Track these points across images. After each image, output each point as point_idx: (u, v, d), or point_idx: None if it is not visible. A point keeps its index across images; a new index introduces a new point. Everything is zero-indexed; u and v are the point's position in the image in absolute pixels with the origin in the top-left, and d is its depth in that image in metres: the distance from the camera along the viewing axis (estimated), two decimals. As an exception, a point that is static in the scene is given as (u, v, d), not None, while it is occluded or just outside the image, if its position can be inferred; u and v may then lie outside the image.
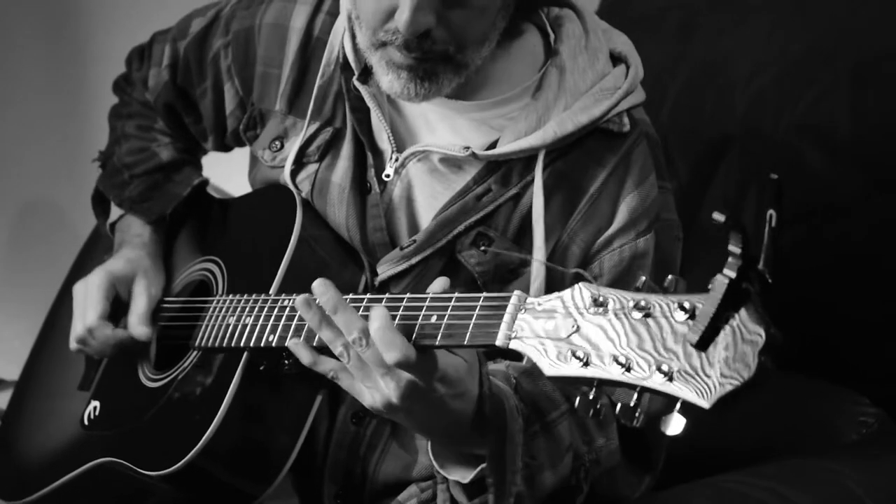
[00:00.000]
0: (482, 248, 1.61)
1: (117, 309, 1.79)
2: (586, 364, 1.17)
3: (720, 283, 1.08)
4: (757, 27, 2.27)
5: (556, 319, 1.22)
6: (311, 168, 1.70)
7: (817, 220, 2.12)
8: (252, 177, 1.82)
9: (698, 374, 1.10)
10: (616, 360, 1.15)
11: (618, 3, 2.52)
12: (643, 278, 1.19)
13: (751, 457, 1.82)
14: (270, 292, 1.59)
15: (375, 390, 1.36)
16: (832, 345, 2.11)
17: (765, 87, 2.21)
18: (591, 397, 1.18)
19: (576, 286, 1.22)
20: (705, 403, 1.09)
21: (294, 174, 1.71)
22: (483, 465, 1.43)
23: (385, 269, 1.63)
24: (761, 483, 1.67)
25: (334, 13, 1.72)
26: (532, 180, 1.60)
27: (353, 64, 1.66)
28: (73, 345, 1.78)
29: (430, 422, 1.39)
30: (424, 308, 1.34)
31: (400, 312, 1.36)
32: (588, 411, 1.18)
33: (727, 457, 1.86)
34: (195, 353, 1.67)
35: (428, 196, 1.65)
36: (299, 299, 1.40)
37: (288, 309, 1.52)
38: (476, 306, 1.30)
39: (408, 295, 1.37)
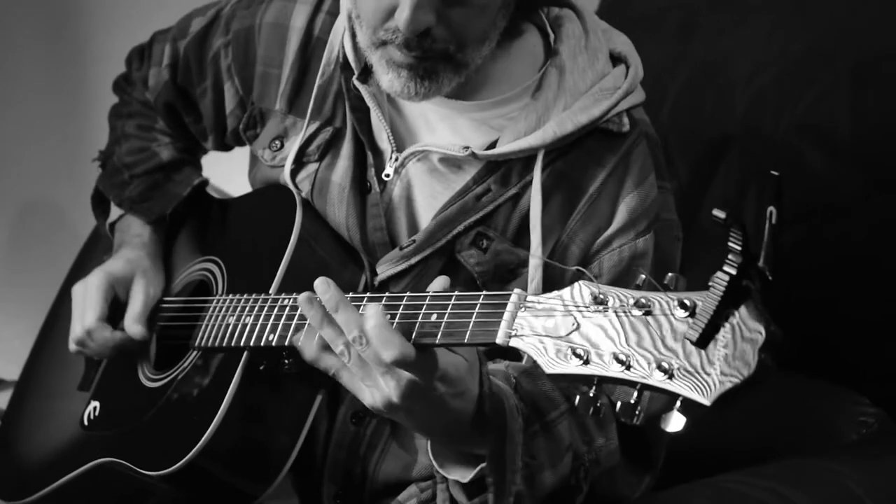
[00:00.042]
0: (482, 247, 1.61)
1: (116, 310, 1.79)
2: (586, 362, 1.17)
3: (720, 280, 1.08)
4: (757, 27, 2.27)
5: (555, 317, 1.22)
6: (311, 167, 1.70)
7: (817, 220, 2.12)
8: (252, 176, 1.82)
9: (698, 372, 1.10)
10: (616, 357, 1.15)
11: (618, 3, 2.52)
12: (643, 276, 1.19)
13: (751, 457, 1.82)
14: (270, 292, 1.59)
15: (376, 389, 1.36)
16: (832, 345, 2.11)
17: (765, 87, 2.21)
18: (591, 395, 1.18)
19: (576, 284, 1.22)
20: (705, 401, 1.09)
21: (294, 174, 1.71)
22: (483, 465, 1.42)
23: (385, 269, 1.63)
24: (761, 483, 1.67)
25: (334, 13, 1.72)
26: (531, 180, 1.60)
27: (352, 63, 1.66)
28: (71, 346, 1.78)
29: (430, 421, 1.39)
30: (424, 307, 1.34)
31: (400, 311, 1.36)
32: (588, 409, 1.18)
33: (727, 457, 1.86)
34: (195, 352, 1.67)
35: (427, 196, 1.65)
36: (302, 296, 1.40)
37: (288, 308, 1.52)
38: (476, 305, 1.30)
39: (408, 294, 1.37)
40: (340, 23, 1.70)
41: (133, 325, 1.74)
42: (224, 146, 1.91)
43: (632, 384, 1.14)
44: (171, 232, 1.88)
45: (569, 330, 1.20)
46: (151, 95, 1.91)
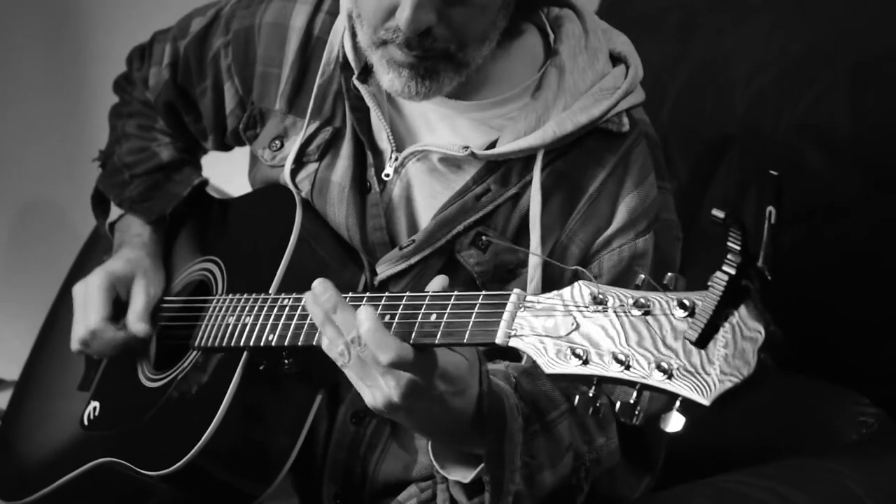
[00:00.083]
0: (481, 248, 1.61)
1: (117, 310, 1.79)
2: (586, 362, 1.17)
3: (719, 280, 1.08)
4: (757, 27, 2.27)
5: (555, 317, 1.22)
6: (311, 167, 1.70)
7: (817, 220, 2.12)
8: (252, 176, 1.82)
9: (698, 372, 1.10)
10: (615, 357, 1.15)
11: (618, 3, 2.52)
12: (642, 276, 1.19)
13: (751, 457, 1.82)
14: (270, 292, 1.59)
15: (376, 389, 1.35)
16: (832, 345, 2.11)
17: (765, 87, 2.21)
18: (590, 395, 1.18)
19: (575, 284, 1.22)
20: (705, 401, 1.09)
21: (294, 173, 1.71)
22: (483, 465, 1.42)
23: (384, 269, 1.63)
24: (761, 483, 1.67)
25: (334, 12, 1.72)
26: (531, 180, 1.60)
27: (352, 63, 1.66)
28: (75, 346, 1.78)
29: (430, 421, 1.39)
30: (424, 307, 1.34)
31: (399, 311, 1.36)
32: (588, 409, 1.18)
33: (727, 457, 1.86)
34: (195, 352, 1.67)
35: (427, 196, 1.65)
36: (307, 295, 1.40)
37: (288, 308, 1.52)
38: (475, 304, 1.30)
39: (407, 293, 1.37)
40: (340, 22, 1.70)
41: (137, 323, 1.75)
42: (224, 146, 1.91)
43: (631, 384, 1.14)
44: (171, 232, 1.88)
45: (568, 330, 1.20)
46: (152, 95, 1.91)
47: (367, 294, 1.41)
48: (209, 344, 1.63)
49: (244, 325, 1.58)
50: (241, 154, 1.91)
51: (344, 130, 1.69)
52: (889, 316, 2.06)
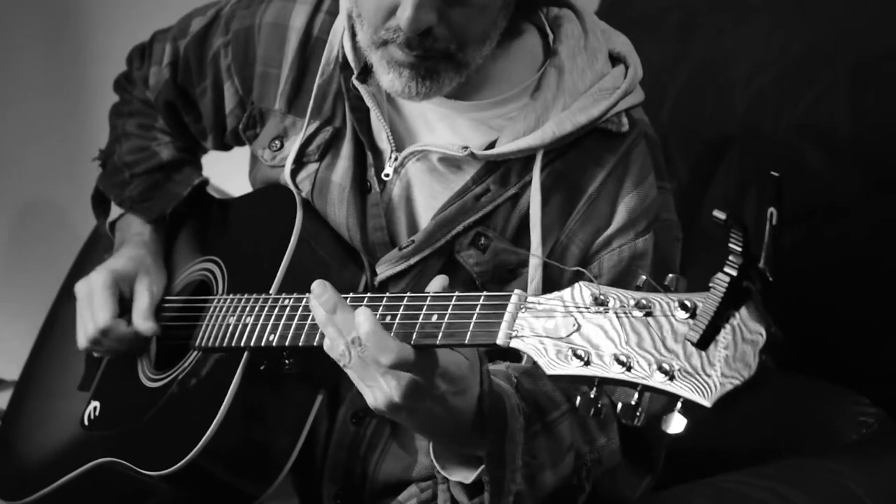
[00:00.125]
0: (481, 248, 1.61)
1: (121, 307, 1.78)
2: (587, 363, 1.17)
3: (721, 281, 1.08)
4: (757, 27, 2.27)
5: (556, 318, 1.22)
6: (312, 168, 1.70)
7: (817, 220, 2.12)
8: (252, 176, 1.82)
9: (699, 373, 1.10)
10: (617, 359, 1.15)
11: (618, 3, 2.52)
12: (643, 277, 1.19)
13: (751, 457, 1.82)
14: (271, 292, 1.59)
15: (377, 389, 1.35)
16: (832, 345, 2.11)
17: (765, 87, 2.21)
18: (591, 396, 1.18)
19: (576, 285, 1.22)
20: (706, 402, 1.09)
21: (294, 174, 1.71)
22: (484, 466, 1.42)
23: (384, 270, 1.63)
24: (761, 483, 1.67)
25: (334, 12, 1.72)
26: (531, 180, 1.60)
27: (352, 63, 1.66)
28: (83, 344, 1.78)
29: (432, 421, 1.39)
30: (425, 307, 1.34)
31: (401, 312, 1.36)
32: (589, 410, 1.18)
33: (727, 457, 1.86)
34: (195, 352, 1.67)
35: (427, 196, 1.65)
36: (311, 295, 1.40)
37: (288, 308, 1.52)
38: (477, 305, 1.30)
39: (408, 294, 1.37)
40: (340, 22, 1.70)
41: (143, 322, 1.75)
42: (223, 146, 1.91)
43: (633, 385, 1.14)
44: (171, 232, 1.88)
45: (569, 331, 1.20)
46: (152, 94, 1.91)
47: (368, 294, 1.41)
48: (210, 344, 1.63)
49: (245, 326, 1.58)
50: (241, 154, 1.91)
51: (344, 130, 1.69)
52: (889, 316, 2.06)
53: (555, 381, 1.45)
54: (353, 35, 1.63)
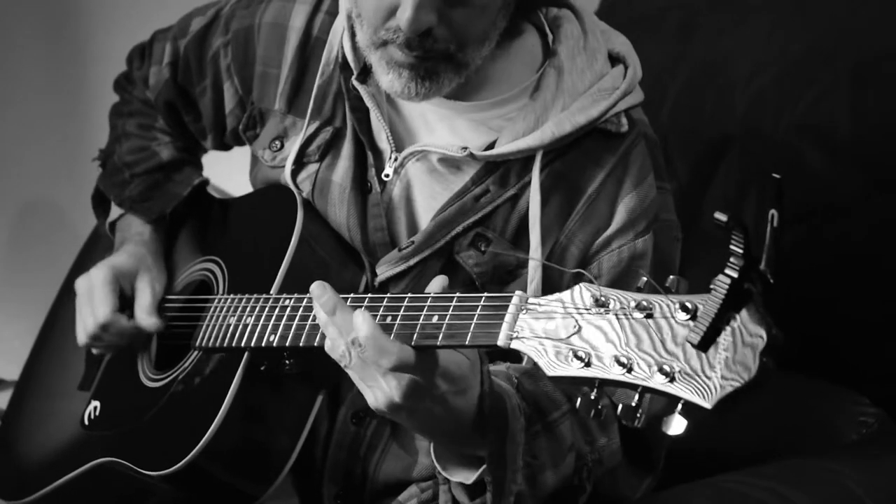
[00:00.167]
0: (480, 249, 1.61)
1: (121, 304, 1.78)
2: (588, 364, 1.17)
3: (722, 283, 1.08)
4: (757, 27, 2.27)
5: (557, 320, 1.22)
6: (312, 168, 1.70)
7: (817, 220, 2.11)
8: (253, 176, 1.82)
9: (699, 375, 1.10)
10: (617, 360, 1.15)
11: (618, 3, 2.52)
12: (644, 279, 1.19)
13: (751, 457, 1.82)
14: (271, 292, 1.59)
15: (378, 389, 1.35)
16: (832, 345, 2.11)
17: (765, 87, 2.21)
18: (592, 398, 1.18)
19: (577, 286, 1.22)
20: (707, 404, 1.09)
21: (294, 174, 1.71)
22: (485, 467, 1.42)
23: (384, 270, 1.63)
24: (761, 483, 1.67)
25: (333, 13, 1.72)
26: (530, 181, 1.60)
27: (352, 63, 1.66)
28: (83, 340, 1.78)
29: (432, 421, 1.39)
30: (426, 308, 1.34)
31: (401, 312, 1.36)
32: (589, 412, 1.18)
33: (727, 457, 1.86)
34: (196, 353, 1.67)
35: (427, 196, 1.65)
36: (313, 297, 1.40)
37: (289, 309, 1.52)
38: (477, 306, 1.30)
39: (409, 295, 1.37)
40: (339, 22, 1.70)
41: (147, 318, 1.75)
42: (223, 146, 1.91)
43: (633, 387, 1.14)
44: (171, 231, 1.88)
45: (570, 332, 1.20)
46: (152, 94, 1.91)
47: (369, 295, 1.41)
48: (210, 344, 1.63)
49: (245, 326, 1.58)
50: (241, 154, 1.91)
51: (344, 131, 1.69)
52: (889, 316, 2.06)
53: (555, 382, 1.45)
54: (353, 35, 1.63)
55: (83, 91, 3.06)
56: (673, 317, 1.13)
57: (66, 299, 1.93)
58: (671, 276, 1.17)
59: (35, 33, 3.03)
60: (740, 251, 1.06)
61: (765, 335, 1.08)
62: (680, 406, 1.10)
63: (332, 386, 1.65)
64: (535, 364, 1.21)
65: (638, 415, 1.14)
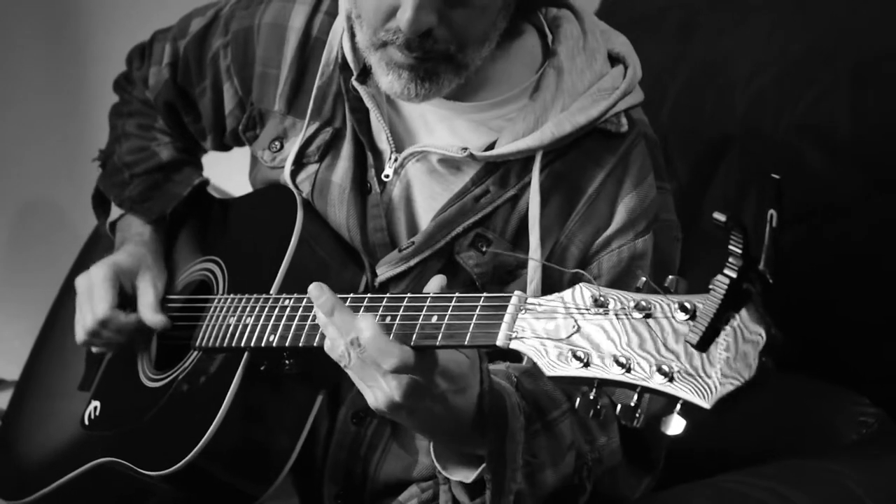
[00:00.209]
0: (481, 249, 1.61)
1: (121, 302, 1.78)
2: (587, 365, 1.17)
3: (721, 283, 1.08)
4: (757, 27, 2.27)
5: (556, 320, 1.22)
6: (311, 168, 1.70)
7: (817, 220, 2.11)
8: (252, 177, 1.82)
9: (699, 375, 1.10)
10: (616, 360, 1.15)
11: (618, 3, 2.52)
12: (643, 279, 1.19)
13: (751, 457, 1.82)
14: (271, 292, 1.59)
15: (378, 390, 1.35)
16: (832, 345, 2.11)
17: (765, 87, 2.21)
18: (591, 397, 1.18)
19: (576, 286, 1.22)
20: (706, 404, 1.09)
21: (294, 175, 1.71)
22: (485, 465, 1.43)
23: (384, 271, 1.63)
24: (761, 483, 1.67)
25: (333, 13, 1.72)
26: (530, 181, 1.60)
27: (351, 64, 1.66)
28: (81, 338, 1.78)
29: (432, 421, 1.39)
30: (425, 308, 1.34)
31: (401, 313, 1.36)
32: (588, 412, 1.18)
33: (727, 457, 1.86)
34: (196, 353, 1.67)
35: (427, 197, 1.65)
36: (312, 298, 1.40)
37: (289, 309, 1.52)
38: (477, 306, 1.30)
39: (408, 295, 1.37)
40: (339, 23, 1.70)
41: (152, 315, 1.75)
42: (223, 146, 1.91)
43: (632, 387, 1.14)
44: (171, 232, 1.88)
45: (569, 332, 1.20)
46: (151, 94, 1.91)
47: (368, 295, 1.41)
48: (210, 344, 1.63)
49: (245, 326, 1.58)
50: (241, 154, 1.91)
51: (344, 131, 1.69)
52: (889, 317, 2.06)
53: (554, 382, 1.45)
54: (353, 36, 1.63)
55: (83, 91, 3.06)
56: (672, 317, 1.13)
57: (66, 299, 1.93)
58: (670, 276, 1.17)
59: (35, 33, 3.03)
60: (739, 251, 1.06)
61: (764, 335, 1.08)
62: (679, 406, 1.10)
63: (332, 386, 1.65)
64: (535, 364, 1.21)
65: (637, 415, 1.14)
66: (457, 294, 1.33)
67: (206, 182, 1.88)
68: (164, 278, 1.82)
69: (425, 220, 1.64)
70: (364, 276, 1.65)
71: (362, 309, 1.39)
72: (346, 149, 1.68)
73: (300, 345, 1.48)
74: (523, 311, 1.25)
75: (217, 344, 1.62)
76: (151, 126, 1.93)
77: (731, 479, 1.70)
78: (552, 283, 1.57)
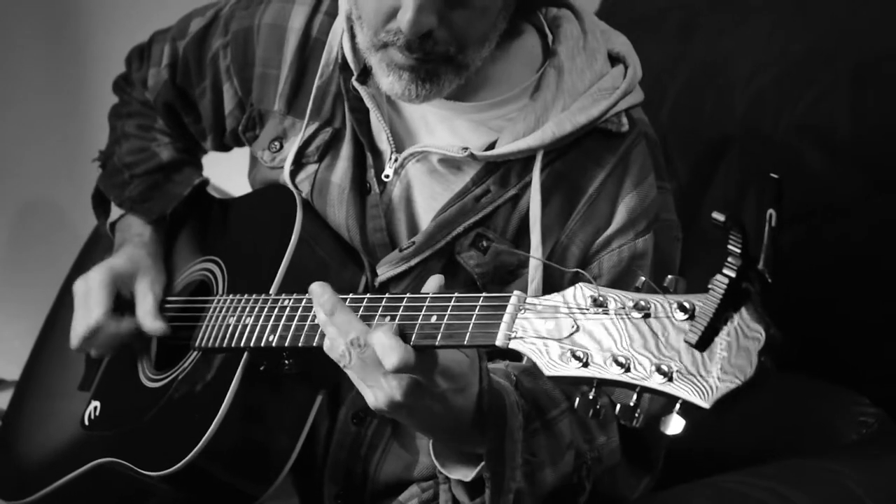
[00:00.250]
0: (481, 249, 1.61)
1: (118, 307, 1.78)
2: (586, 364, 1.17)
3: (720, 283, 1.08)
4: (757, 27, 2.27)
5: (555, 319, 1.22)
6: (311, 168, 1.70)
7: (817, 220, 2.12)
8: (252, 177, 1.82)
9: (698, 375, 1.10)
10: (616, 360, 1.15)
11: (618, 4, 2.52)
12: (643, 278, 1.19)
13: (751, 457, 1.82)
14: (271, 292, 1.59)
15: (379, 389, 1.35)
16: (832, 345, 2.11)
17: (765, 87, 2.21)
18: (590, 397, 1.18)
19: (576, 286, 1.22)
20: (705, 404, 1.09)
21: (293, 175, 1.71)
22: (484, 463, 1.43)
23: (384, 271, 1.63)
24: (761, 483, 1.67)
25: (333, 13, 1.72)
26: (531, 181, 1.60)
27: (351, 64, 1.66)
28: (75, 343, 1.78)
29: (432, 419, 1.39)
30: (424, 308, 1.34)
31: (400, 312, 1.36)
32: (588, 411, 1.18)
33: (727, 457, 1.86)
34: (195, 353, 1.67)
35: (427, 197, 1.65)
36: (313, 297, 1.40)
37: (288, 309, 1.52)
38: (476, 306, 1.30)
39: (408, 295, 1.37)
40: (339, 23, 1.70)
41: (151, 321, 1.75)
42: (223, 146, 1.91)
43: (631, 387, 1.14)
44: (171, 232, 1.88)
45: (568, 332, 1.20)
46: (151, 95, 1.91)
47: (368, 296, 1.41)
48: (210, 344, 1.63)
49: (245, 326, 1.58)
50: (241, 154, 1.91)
51: (343, 131, 1.69)
52: (889, 316, 2.06)
53: (554, 381, 1.45)
54: (353, 36, 1.63)
55: (83, 91, 3.06)
56: (671, 316, 1.13)
57: (66, 299, 1.93)
58: (669, 276, 1.17)
59: (35, 33, 3.03)
60: (738, 251, 1.06)
61: (763, 334, 1.07)
62: (678, 406, 1.10)
63: (332, 386, 1.65)
64: (534, 364, 1.21)
65: (636, 414, 1.14)
66: (456, 294, 1.33)
67: (206, 182, 1.88)
68: (163, 280, 1.82)
69: (425, 220, 1.64)
70: (363, 275, 1.66)
71: (362, 309, 1.39)
72: (346, 149, 1.68)
73: (300, 345, 1.48)
74: (522, 311, 1.25)
75: (217, 344, 1.62)
76: (151, 127, 1.93)
77: (731, 479, 1.70)
78: (553, 283, 1.58)
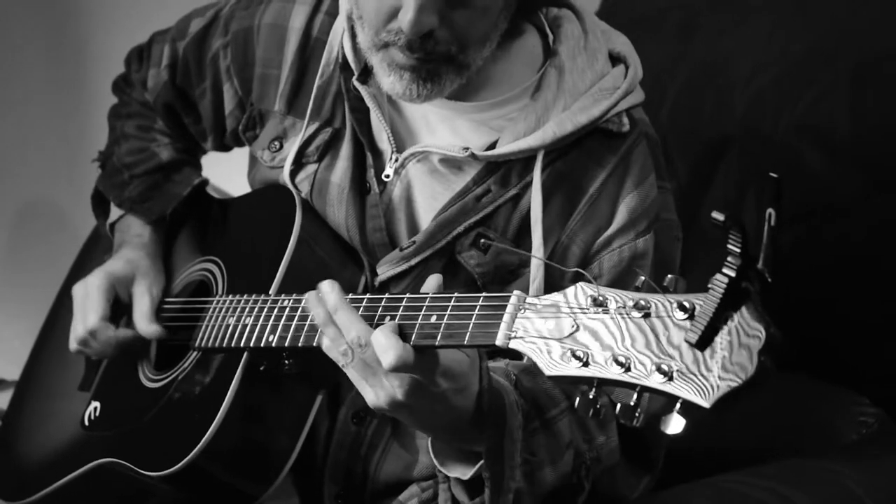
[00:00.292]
0: (482, 249, 1.61)
1: (117, 310, 1.79)
2: (586, 364, 1.17)
3: (719, 282, 1.08)
4: (757, 27, 2.27)
5: (555, 319, 1.22)
6: (311, 168, 1.70)
7: (817, 220, 2.12)
8: (251, 177, 1.82)
9: (698, 374, 1.10)
10: (616, 359, 1.15)
11: (618, 4, 2.52)
12: (642, 278, 1.19)
13: (751, 457, 1.82)
14: (270, 292, 1.59)
15: (380, 388, 1.36)
16: (832, 345, 2.11)
17: (765, 87, 2.21)
18: (590, 397, 1.18)
19: (576, 286, 1.22)
20: (705, 403, 1.09)
21: (293, 174, 1.71)
22: (482, 462, 1.43)
23: (385, 270, 1.63)
24: (761, 483, 1.67)
25: (333, 13, 1.72)
26: (531, 181, 1.60)
27: (352, 64, 1.66)
28: (73, 347, 1.78)
29: (432, 418, 1.39)
30: (424, 308, 1.34)
31: (400, 312, 1.36)
32: (588, 411, 1.18)
33: (727, 457, 1.86)
34: (195, 353, 1.67)
35: (428, 197, 1.65)
36: (309, 296, 1.40)
37: (288, 309, 1.52)
38: (476, 306, 1.30)
39: (407, 295, 1.37)
40: (340, 23, 1.70)
41: (147, 325, 1.75)
42: (223, 147, 1.91)
43: (631, 386, 1.14)
44: (171, 232, 1.88)
45: (568, 332, 1.20)
46: (150, 96, 1.91)
47: (368, 295, 1.41)
48: (209, 345, 1.63)
49: (244, 326, 1.58)
50: (240, 154, 1.91)
51: (343, 131, 1.69)
52: (889, 316, 2.06)
53: (554, 381, 1.45)
54: (354, 36, 1.63)
55: (83, 91, 3.06)
56: (671, 316, 1.13)
57: (66, 300, 1.93)
58: (669, 276, 1.17)
59: (35, 33, 3.03)
60: (738, 250, 1.06)
61: (763, 334, 1.07)
62: (678, 405, 1.10)
63: (332, 386, 1.65)
64: (534, 363, 1.21)
65: (636, 414, 1.14)
66: (456, 294, 1.33)
67: (205, 182, 1.88)
68: (162, 282, 1.82)
69: (426, 219, 1.64)
70: (363, 275, 1.66)
71: (361, 309, 1.39)
72: (346, 149, 1.68)
73: (299, 345, 1.48)
74: (523, 311, 1.25)
75: (216, 344, 1.62)
76: (151, 127, 1.93)
77: (731, 478, 1.70)
78: (553, 283, 1.58)
